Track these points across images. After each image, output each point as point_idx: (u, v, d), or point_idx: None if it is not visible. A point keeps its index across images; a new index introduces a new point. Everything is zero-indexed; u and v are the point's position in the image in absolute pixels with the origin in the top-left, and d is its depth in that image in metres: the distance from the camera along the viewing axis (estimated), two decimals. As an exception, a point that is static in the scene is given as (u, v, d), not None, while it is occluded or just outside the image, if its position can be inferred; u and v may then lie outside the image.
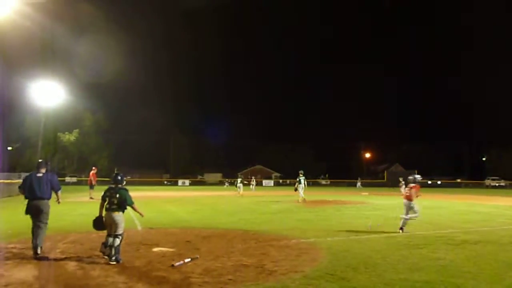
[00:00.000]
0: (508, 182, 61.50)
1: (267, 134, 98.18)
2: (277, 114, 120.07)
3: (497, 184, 62.00)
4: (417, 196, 10.66)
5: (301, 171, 24.07)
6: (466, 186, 63.12)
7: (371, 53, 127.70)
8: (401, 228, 10.44)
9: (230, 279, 5.69)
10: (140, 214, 7.33)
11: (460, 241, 9.00)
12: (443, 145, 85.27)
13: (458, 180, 68.75)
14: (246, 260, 6.97)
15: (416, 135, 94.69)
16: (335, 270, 6.18)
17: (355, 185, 53.42)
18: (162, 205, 19.77)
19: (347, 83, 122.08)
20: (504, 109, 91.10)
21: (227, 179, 57.42)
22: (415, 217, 10.63)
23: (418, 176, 11.26)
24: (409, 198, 10.55)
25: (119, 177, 7.25)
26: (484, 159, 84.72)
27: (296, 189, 23.68)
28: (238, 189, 31.05)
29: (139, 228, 11.06)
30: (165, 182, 69.66)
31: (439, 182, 65.32)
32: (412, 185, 10.72)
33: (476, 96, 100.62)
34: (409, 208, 10.52)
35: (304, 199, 22.91)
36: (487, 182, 63.91)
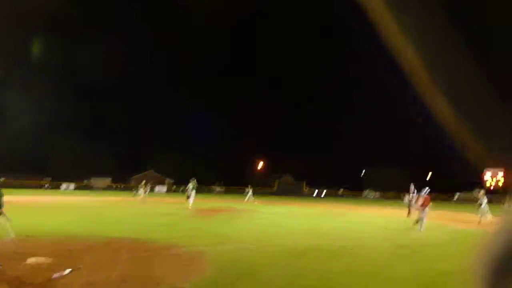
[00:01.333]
0: (381, 193, 68.62)
1: (161, 138, 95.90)
2: (170, 119, 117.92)
3: (372, 196, 68.66)
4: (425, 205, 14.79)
5: (192, 178, 24.20)
6: (347, 196, 68.62)
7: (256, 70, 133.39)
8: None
9: (114, 291, 5.43)
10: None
11: (338, 248, 9.75)
12: (328, 158, 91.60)
13: (340, 191, 74.47)
14: (133, 271, 6.71)
15: (305, 148, 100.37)
16: (223, 279, 6.27)
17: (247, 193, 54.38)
18: (40, 212, 18.10)
19: (240, 95, 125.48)
20: (381, 128, 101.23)
21: (138, 185, 50.83)
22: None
23: (426, 189, 15.37)
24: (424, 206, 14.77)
25: None
26: (363, 172, 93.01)
27: (188, 197, 23.75)
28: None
29: (12, 236, 9.99)
30: (46, 185, 63.91)
31: (324, 191, 70.15)
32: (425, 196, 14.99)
33: (354, 114, 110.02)
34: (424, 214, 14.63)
35: (190, 207, 22.86)
36: (365, 193, 70.45)
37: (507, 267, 0.37)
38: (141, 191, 31.98)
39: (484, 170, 63.27)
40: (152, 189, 48.21)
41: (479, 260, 0.38)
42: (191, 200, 23.54)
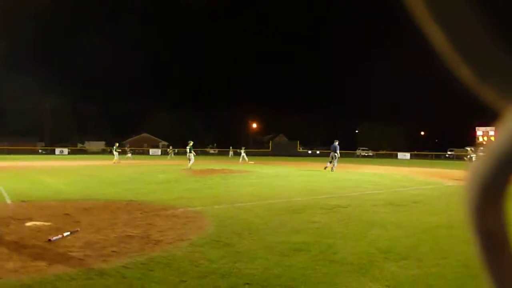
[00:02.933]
0: (375, 152, 69.28)
1: (154, 101, 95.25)
2: (163, 80, 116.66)
3: (366, 154, 69.33)
4: None
5: (190, 141, 24.90)
6: (341, 155, 69.14)
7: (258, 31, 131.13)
8: None
9: (114, 251, 5.53)
10: None
11: (333, 206, 9.93)
12: (321, 118, 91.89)
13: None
14: (131, 231, 6.81)
15: (298, 108, 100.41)
16: (220, 237, 6.39)
17: (238, 154, 54.22)
18: (36, 176, 18.15)
19: (235, 55, 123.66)
20: (375, 88, 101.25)
21: (170, 148, 48.74)
22: None
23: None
24: None
25: None
26: (356, 131, 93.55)
27: (189, 158, 25.08)
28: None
29: (8, 201, 10.06)
30: (40, 150, 63.78)
31: (318, 152, 70.68)
32: None
33: (349, 75, 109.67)
34: None
35: (190, 168, 23.89)
36: (358, 152, 71.04)
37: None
38: (115, 153, 32.08)
39: (476, 128, 63.79)
40: (146, 152, 48.32)
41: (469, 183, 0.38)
42: (191, 161, 24.79)
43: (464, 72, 0.36)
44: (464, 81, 0.36)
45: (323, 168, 24.53)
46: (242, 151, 38.21)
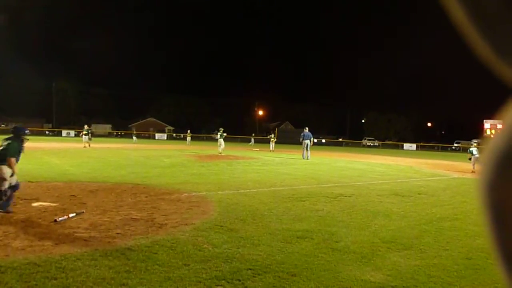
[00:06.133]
0: (380, 142, 69.09)
1: (162, 85, 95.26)
2: (172, 65, 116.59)
3: (371, 144, 69.11)
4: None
5: (221, 128, 27.35)
6: (347, 145, 68.97)
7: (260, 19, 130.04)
8: None
9: (118, 233, 5.59)
10: (13, 170, 6.80)
11: (337, 194, 9.94)
12: (329, 106, 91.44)
13: (340, 139, 74.78)
14: (136, 214, 6.88)
15: (305, 96, 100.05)
16: (224, 222, 6.44)
17: (248, 141, 54.50)
18: (43, 157, 18.28)
19: (241, 41, 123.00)
20: (383, 77, 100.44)
21: (188, 133, 45.45)
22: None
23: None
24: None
25: (16, 129, 7.25)
26: (363, 121, 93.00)
27: (220, 144, 26.54)
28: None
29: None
30: (47, 132, 64.17)
31: (323, 141, 70.51)
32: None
33: (358, 64, 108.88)
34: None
35: (220, 153, 25.37)
36: (364, 142, 70.84)
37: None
38: (84, 137, 29.57)
39: (484, 120, 63.18)
40: (152, 136, 48.30)
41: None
42: (221, 146, 26.21)
43: (483, 49, 0.35)
44: (482, 59, 0.36)
45: (301, 157, 24.20)
46: (273, 142, 38.14)
